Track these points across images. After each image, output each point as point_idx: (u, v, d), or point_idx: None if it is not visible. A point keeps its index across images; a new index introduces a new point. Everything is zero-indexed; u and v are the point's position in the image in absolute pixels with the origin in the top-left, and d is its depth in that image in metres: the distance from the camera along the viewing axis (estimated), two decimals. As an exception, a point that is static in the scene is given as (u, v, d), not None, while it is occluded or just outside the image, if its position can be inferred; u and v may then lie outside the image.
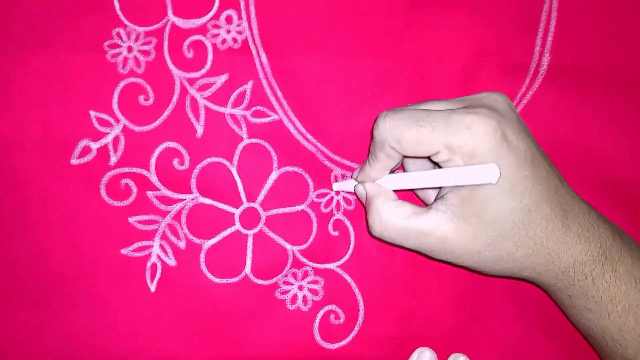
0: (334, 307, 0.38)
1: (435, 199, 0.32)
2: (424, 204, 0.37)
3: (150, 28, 0.36)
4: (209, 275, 0.37)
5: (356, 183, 0.35)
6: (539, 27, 0.38)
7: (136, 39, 0.36)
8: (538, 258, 0.30)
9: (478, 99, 0.31)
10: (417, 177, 0.32)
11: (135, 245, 0.37)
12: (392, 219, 0.31)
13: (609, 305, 0.31)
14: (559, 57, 0.38)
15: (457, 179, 0.29)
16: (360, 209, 0.38)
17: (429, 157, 0.30)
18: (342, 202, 0.38)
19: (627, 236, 0.33)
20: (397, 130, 0.29)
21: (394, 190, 0.33)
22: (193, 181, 0.37)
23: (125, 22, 0.36)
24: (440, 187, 0.32)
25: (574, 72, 0.38)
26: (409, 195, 0.38)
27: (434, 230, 0.30)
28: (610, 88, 0.38)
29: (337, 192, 0.38)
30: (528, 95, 0.38)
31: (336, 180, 0.38)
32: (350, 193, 0.38)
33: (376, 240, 0.38)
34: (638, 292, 0.31)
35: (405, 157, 0.32)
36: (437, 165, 0.31)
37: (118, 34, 0.36)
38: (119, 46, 0.36)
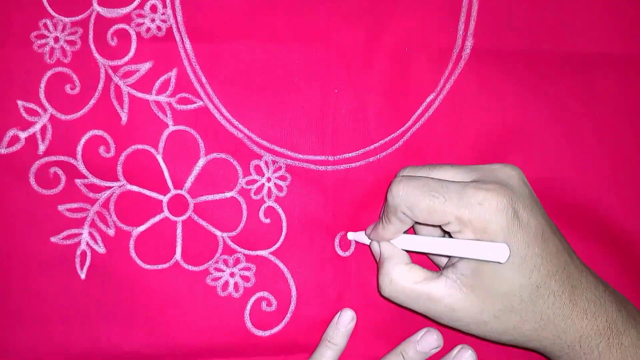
0: (265, 294, 0.38)
1: (446, 266, 0.32)
2: (433, 263, 0.37)
3: (76, 18, 0.37)
4: (138, 261, 0.37)
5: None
6: (460, 12, 0.38)
7: (62, 30, 0.37)
8: (544, 332, 0.31)
9: (491, 170, 0.32)
10: (430, 243, 0.32)
11: (65, 233, 0.37)
12: (402, 283, 0.32)
13: None
14: (481, 41, 0.38)
15: (468, 252, 0.30)
16: (292, 195, 0.38)
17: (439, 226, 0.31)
18: (273, 189, 0.38)
19: (631, 306, 0.33)
20: (411, 198, 0.30)
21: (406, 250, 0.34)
22: (119, 169, 0.37)
23: (52, 12, 0.37)
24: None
25: (496, 55, 0.38)
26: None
27: (442, 297, 0.31)
28: (533, 70, 0.38)
29: (269, 179, 0.38)
30: (451, 80, 0.38)
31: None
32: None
33: (308, 227, 0.38)
34: None
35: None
36: (448, 233, 0.32)
37: (45, 25, 0.37)
38: (45, 37, 0.37)
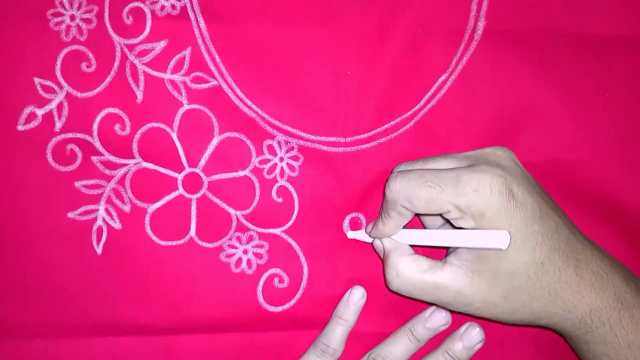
0: (278, 270, 0.39)
1: (449, 253, 0.33)
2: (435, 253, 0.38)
3: (92, -4, 0.37)
4: (154, 237, 0.38)
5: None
6: None
7: (79, 7, 0.37)
8: (554, 308, 0.31)
9: (483, 155, 0.32)
10: (431, 236, 0.33)
11: (82, 209, 0.38)
12: (409, 274, 0.33)
13: (627, 351, 0.32)
14: (494, 22, 0.38)
15: (469, 242, 0.31)
16: (305, 175, 0.39)
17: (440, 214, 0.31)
18: (286, 169, 0.39)
19: (639, 280, 0.33)
20: (409, 190, 0.31)
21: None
22: (135, 146, 0.38)
23: (68, -10, 0.37)
24: None
25: (509, 35, 0.38)
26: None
27: (450, 284, 0.32)
28: (545, 51, 0.38)
29: (281, 159, 0.39)
30: (463, 61, 0.38)
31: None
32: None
33: (319, 207, 0.39)
34: None
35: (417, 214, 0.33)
36: (448, 221, 0.32)
37: (61, 3, 0.37)
38: (61, 14, 0.37)
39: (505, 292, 0.31)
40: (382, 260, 0.36)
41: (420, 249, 0.36)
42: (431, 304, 0.34)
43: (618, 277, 0.32)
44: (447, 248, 0.36)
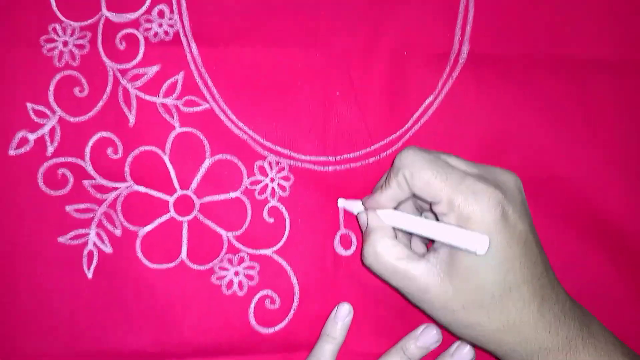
0: (269, 292, 0.39)
1: (430, 250, 0.33)
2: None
3: (85, 23, 0.38)
4: (144, 261, 0.38)
5: (361, 207, 0.36)
6: (457, 18, 0.39)
7: (72, 34, 0.38)
8: (507, 336, 0.31)
9: (492, 172, 0.33)
10: (415, 222, 0.33)
11: (72, 233, 0.38)
12: (385, 257, 0.33)
13: None
14: (478, 46, 0.39)
15: (450, 237, 0.31)
16: (295, 195, 0.39)
17: (430, 205, 0.32)
18: (277, 189, 0.39)
19: (596, 325, 0.33)
20: (416, 165, 0.32)
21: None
22: (127, 169, 0.38)
23: (61, 17, 0.38)
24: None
25: (493, 59, 0.39)
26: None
27: (419, 278, 0.32)
28: (528, 73, 0.39)
29: (272, 179, 0.39)
30: (449, 83, 0.39)
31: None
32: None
33: (310, 226, 0.39)
34: None
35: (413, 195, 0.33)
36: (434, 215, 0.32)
37: (54, 29, 0.38)
38: (54, 41, 0.38)
39: (467, 303, 0.31)
40: (362, 233, 0.35)
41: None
42: (397, 291, 0.34)
43: (574, 321, 0.32)
44: (426, 241, 0.37)
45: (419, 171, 0.31)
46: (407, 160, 0.32)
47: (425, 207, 0.35)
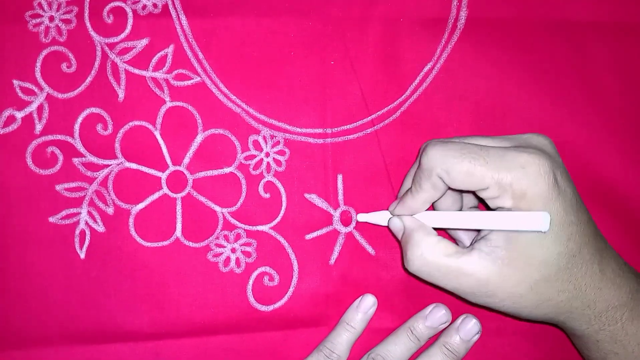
0: (267, 268, 0.38)
1: (476, 239, 0.31)
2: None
3: (71, -3, 0.37)
4: (138, 239, 0.37)
5: (389, 216, 0.34)
6: None
7: (57, 9, 0.37)
8: (576, 302, 0.31)
9: (525, 139, 0.31)
10: (462, 217, 0.31)
11: (63, 212, 0.37)
12: (433, 256, 0.31)
13: (636, 349, 0.31)
14: (476, 11, 0.38)
15: (507, 223, 0.29)
16: (291, 169, 0.38)
17: (474, 193, 0.30)
18: (272, 164, 0.38)
19: None
20: (448, 161, 0.29)
21: None
22: (117, 146, 0.37)
23: (46, -8, 0.37)
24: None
25: (491, 24, 0.38)
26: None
27: (476, 271, 0.30)
28: (526, 38, 0.38)
29: (267, 154, 0.38)
30: (447, 49, 0.38)
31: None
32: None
33: (308, 201, 0.38)
34: None
35: (450, 189, 0.31)
36: (481, 200, 0.31)
37: (40, 4, 0.37)
38: (40, 16, 0.37)
39: (534, 283, 0.30)
40: (399, 241, 0.34)
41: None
42: (450, 294, 0.32)
43: (631, 275, 0.32)
44: (463, 239, 0.36)
45: (454, 165, 0.29)
46: (436, 157, 0.30)
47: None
